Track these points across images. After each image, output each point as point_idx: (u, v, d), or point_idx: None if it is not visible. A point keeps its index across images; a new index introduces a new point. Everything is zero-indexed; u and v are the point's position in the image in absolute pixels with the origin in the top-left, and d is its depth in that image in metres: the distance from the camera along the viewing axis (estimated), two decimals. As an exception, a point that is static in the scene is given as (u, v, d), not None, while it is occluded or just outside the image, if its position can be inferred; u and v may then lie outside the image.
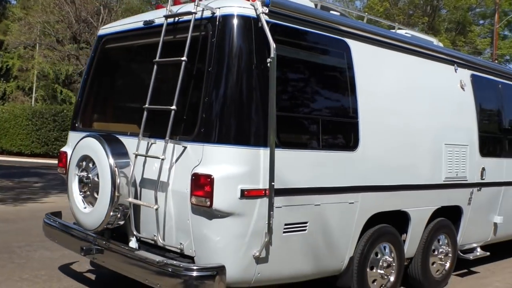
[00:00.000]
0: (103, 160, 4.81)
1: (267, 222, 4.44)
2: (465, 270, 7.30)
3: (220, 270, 4.32)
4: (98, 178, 4.88)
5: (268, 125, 4.42)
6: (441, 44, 7.38)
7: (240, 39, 4.53)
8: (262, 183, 4.41)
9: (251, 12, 4.56)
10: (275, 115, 4.42)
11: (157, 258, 4.47)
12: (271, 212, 4.43)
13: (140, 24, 5.38)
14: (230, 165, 4.36)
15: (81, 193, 5.12)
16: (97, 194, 4.88)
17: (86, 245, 5.01)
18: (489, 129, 7.20)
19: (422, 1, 40.00)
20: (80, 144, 5.17)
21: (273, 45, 4.43)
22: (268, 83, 4.44)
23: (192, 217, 4.45)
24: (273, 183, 4.41)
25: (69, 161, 5.32)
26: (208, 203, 4.27)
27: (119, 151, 4.88)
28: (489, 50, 43.35)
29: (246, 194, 4.34)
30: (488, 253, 7.19)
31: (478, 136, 6.77)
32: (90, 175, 5.00)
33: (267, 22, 4.54)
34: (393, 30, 6.51)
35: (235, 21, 4.54)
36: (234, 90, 4.48)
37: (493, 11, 37.01)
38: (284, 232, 4.65)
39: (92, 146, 4.97)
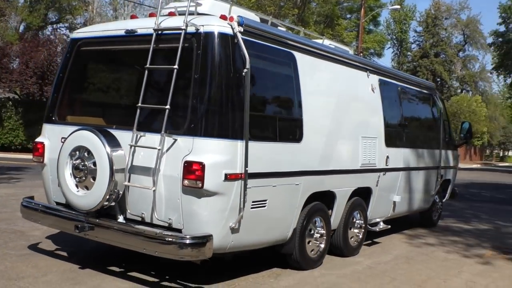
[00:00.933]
0: (101, 149, 5.95)
1: (242, 199, 5.86)
2: (370, 241, 9.17)
3: (209, 238, 5.68)
4: (94, 165, 6.00)
5: (243, 122, 5.83)
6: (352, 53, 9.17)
7: (221, 52, 5.88)
8: (239, 168, 5.81)
9: (229, 30, 5.93)
10: (248, 114, 5.85)
11: (156, 230, 5.73)
12: (245, 192, 5.86)
13: (121, 32, 6.50)
14: (216, 154, 5.72)
15: (76, 178, 6.19)
16: (94, 179, 6.01)
17: (79, 224, 6.12)
18: (392, 124, 9.12)
19: (293, -7, 42.54)
20: (73, 136, 6.23)
21: (247, 57, 5.83)
22: (243, 88, 5.85)
23: (183, 197, 5.74)
24: (247, 168, 5.83)
25: (60, 151, 6.33)
26: (200, 184, 5.60)
27: (113, 142, 6.04)
28: (355, 43, 47.33)
29: (228, 177, 5.72)
30: (389, 226, 9.15)
31: (384, 130, 8.65)
32: (86, 163, 6.10)
33: (241, 38, 5.94)
34: (320, 41, 8.16)
35: (216, 37, 5.88)
36: (216, 94, 5.83)
37: (360, 6, 40.27)
38: (252, 208, 6.08)
39: (88, 138, 6.08)
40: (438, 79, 57.50)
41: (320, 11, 44.88)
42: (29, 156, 24.92)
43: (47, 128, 7.04)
